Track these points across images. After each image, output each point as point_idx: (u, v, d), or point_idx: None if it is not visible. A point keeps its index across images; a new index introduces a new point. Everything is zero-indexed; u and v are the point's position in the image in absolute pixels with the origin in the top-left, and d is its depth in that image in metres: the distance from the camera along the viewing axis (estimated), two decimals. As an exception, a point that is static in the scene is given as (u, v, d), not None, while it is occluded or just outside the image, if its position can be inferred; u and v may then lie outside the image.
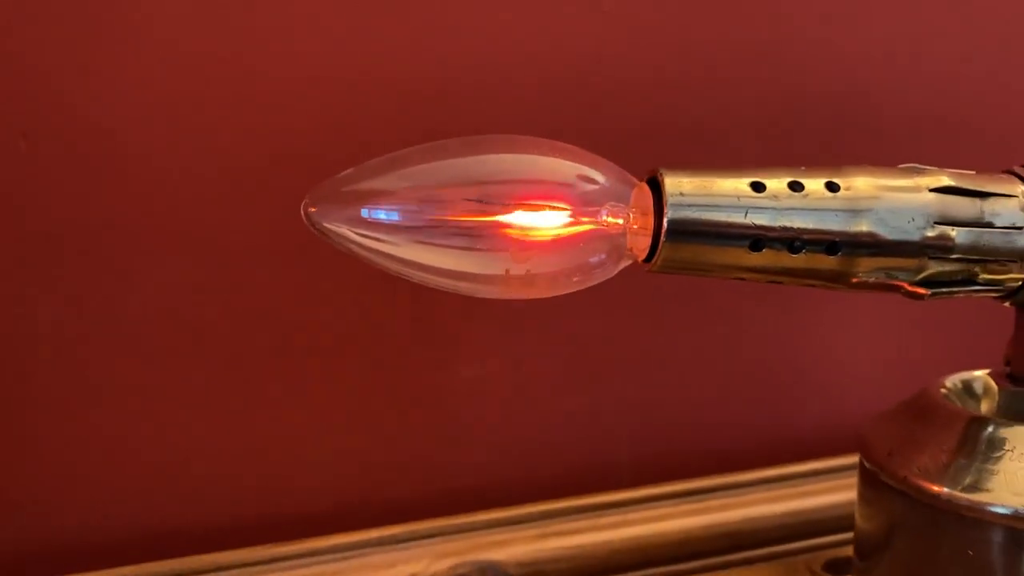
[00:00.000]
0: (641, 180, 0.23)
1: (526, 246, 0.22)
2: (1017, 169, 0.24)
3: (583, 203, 0.22)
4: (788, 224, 0.22)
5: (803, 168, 0.22)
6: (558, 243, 0.22)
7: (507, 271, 0.22)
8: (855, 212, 0.22)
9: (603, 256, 0.22)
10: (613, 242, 0.22)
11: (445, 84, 0.33)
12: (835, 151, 0.38)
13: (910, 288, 0.23)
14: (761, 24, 0.37)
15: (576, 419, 0.38)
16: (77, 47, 0.29)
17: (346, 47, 0.32)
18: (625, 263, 0.23)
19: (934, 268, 0.23)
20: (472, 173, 0.22)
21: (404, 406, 0.35)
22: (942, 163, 0.24)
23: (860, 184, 0.22)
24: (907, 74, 0.40)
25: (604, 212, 0.22)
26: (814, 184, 0.22)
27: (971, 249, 0.23)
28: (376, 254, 0.22)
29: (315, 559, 0.32)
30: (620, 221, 0.22)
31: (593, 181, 0.22)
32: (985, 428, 0.24)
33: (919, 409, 0.26)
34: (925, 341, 0.42)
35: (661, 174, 0.22)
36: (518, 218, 0.22)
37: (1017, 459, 0.23)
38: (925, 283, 0.23)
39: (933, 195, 0.23)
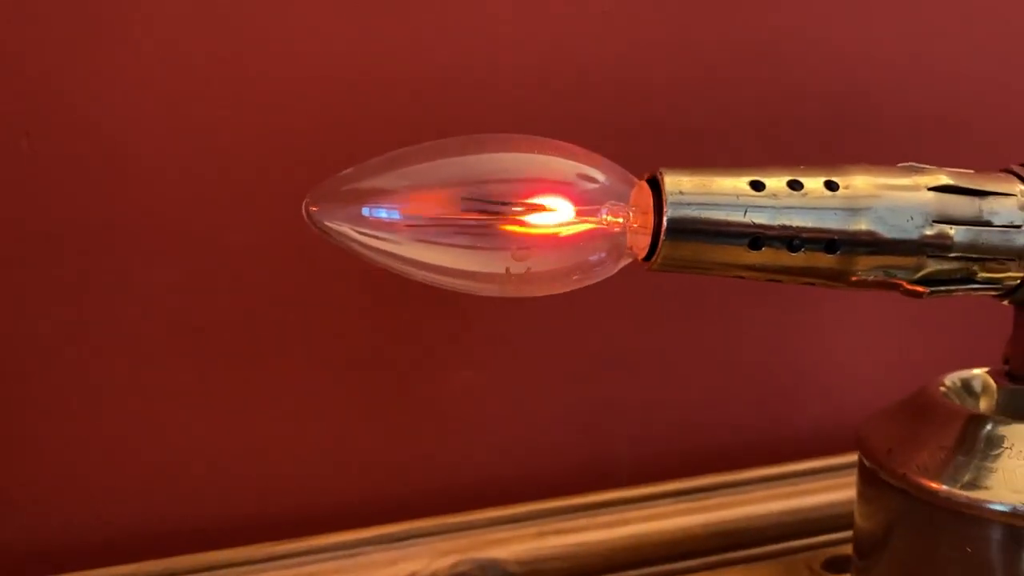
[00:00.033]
0: (641, 179, 0.23)
1: (526, 244, 0.22)
2: (1015, 168, 0.24)
3: (583, 202, 0.22)
4: (787, 223, 0.22)
5: (802, 167, 0.22)
6: (558, 242, 0.22)
7: (507, 269, 0.22)
8: (854, 211, 0.22)
9: (603, 255, 0.23)
10: (613, 241, 0.23)
11: (445, 84, 0.33)
12: (835, 151, 0.39)
13: (909, 286, 0.23)
14: (761, 24, 0.37)
15: (575, 418, 0.38)
16: (77, 46, 0.29)
17: (346, 47, 0.32)
18: (625, 261, 0.23)
19: (933, 266, 0.23)
20: (473, 172, 0.22)
21: (404, 405, 0.35)
22: (941, 162, 0.24)
23: (859, 183, 0.22)
24: (906, 74, 0.40)
25: (604, 211, 0.22)
26: (813, 183, 0.22)
27: (969, 247, 0.23)
28: (377, 252, 0.22)
29: (316, 557, 0.32)
30: (620, 220, 0.22)
31: (593, 180, 0.22)
32: (984, 426, 0.24)
33: (918, 407, 0.26)
34: (924, 340, 0.42)
35: (661, 173, 0.22)
36: (518, 217, 0.22)
37: (1016, 456, 0.23)
38: (924, 281, 0.23)
39: (932, 194, 0.23)
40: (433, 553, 0.33)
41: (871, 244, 0.22)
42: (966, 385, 0.28)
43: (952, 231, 0.22)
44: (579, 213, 0.22)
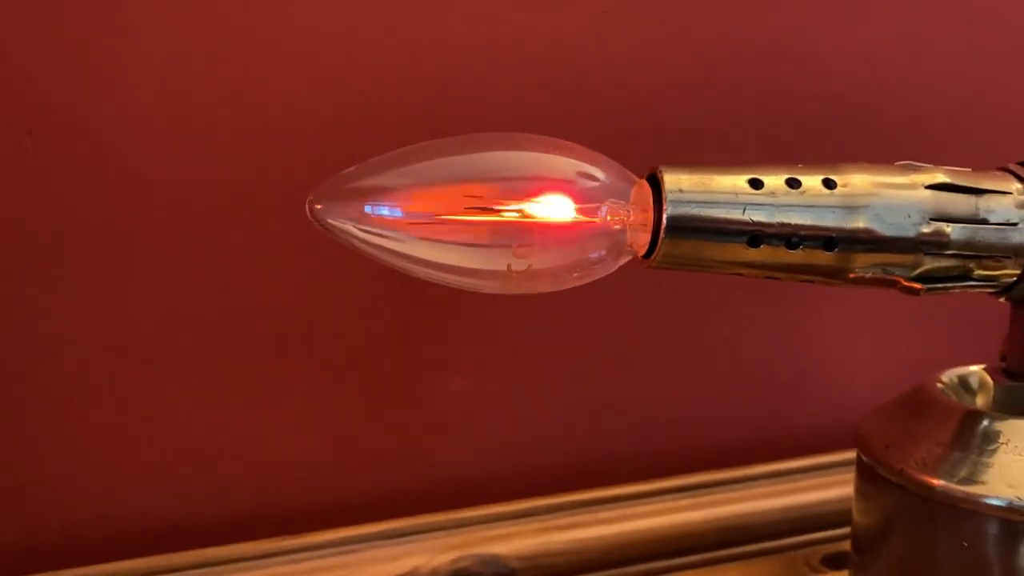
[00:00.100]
0: (641, 177, 0.23)
1: (528, 242, 0.22)
2: (1012, 167, 0.24)
3: (584, 200, 0.22)
4: (786, 220, 0.22)
5: (800, 165, 0.23)
6: (559, 239, 0.22)
7: (508, 267, 0.22)
8: (852, 209, 0.22)
9: (603, 252, 0.23)
10: (613, 238, 0.23)
11: (446, 83, 0.33)
12: (833, 150, 0.39)
13: (906, 283, 0.23)
14: (761, 24, 0.37)
15: (576, 415, 0.38)
16: (79, 46, 0.29)
17: (346, 47, 0.32)
18: (625, 259, 0.23)
19: (930, 264, 0.23)
20: (474, 170, 0.22)
21: (405, 402, 0.35)
22: (938, 161, 0.24)
23: (857, 181, 0.22)
24: (904, 74, 0.40)
25: (604, 209, 0.23)
26: (811, 181, 0.22)
27: (966, 245, 0.23)
28: (379, 250, 0.22)
29: (318, 553, 0.32)
30: (620, 217, 0.23)
31: (594, 178, 0.23)
32: (980, 421, 0.24)
33: (916, 404, 0.26)
34: (923, 338, 0.42)
35: (660, 171, 0.22)
36: (519, 215, 0.22)
37: (1012, 452, 0.23)
38: (921, 278, 0.23)
39: (929, 192, 0.23)
40: (434, 549, 0.33)
41: (869, 242, 0.22)
42: (963, 382, 0.28)
43: (949, 229, 0.23)
44: (579, 211, 0.22)
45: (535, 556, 0.33)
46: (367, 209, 0.22)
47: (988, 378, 0.26)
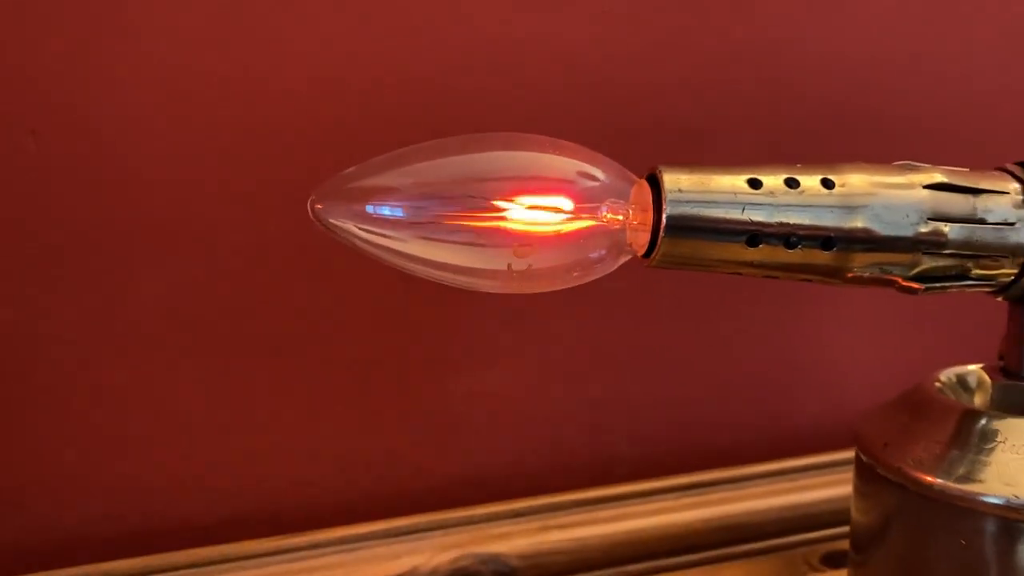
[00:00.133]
0: (641, 177, 0.23)
1: (527, 241, 0.22)
2: (1009, 167, 0.24)
3: (584, 199, 0.22)
4: (784, 220, 0.22)
5: (799, 165, 0.23)
6: (559, 239, 0.22)
7: (509, 266, 0.22)
8: (850, 208, 0.22)
9: (603, 251, 0.23)
10: (613, 238, 0.23)
11: (447, 84, 0.33)
12: (832, 150, 0.39)
13: (904, 283, 0.23)
14: (760, 25, 0.37)
15: (576, 414, 0.38)
16: (78, 46, 0.29)
17: (347, 47, 0.32)
18: (625, 258, 0.24)
19: (927, 263, 0.23)
20: (475, 170, 0.22)
21: (406, 402, 0.35)
22: (936, 161, 0.24)
23: (855, 181, 0.23)
24: (903, 75, 0.40)
25: (604, 208, 0.23)
26: (810, 181, 0.22)
27: (964, 245, 0.23)
28: (380, 249, 0.23)
29: (318, 551, 0.32)
30: (620, 217, 0.23)
31: (594, 178, 0.23)
32: (978, 420, 0.24)
33: (914, 402, 0.26)
34: (921, 338, 0.43)
35: (660, 171, 0.22)
36: (520, 214, 0.22)
37: (1009, 450, 0.23)
38: (919, 278, 0.23)
39: (927, 192, 0.23)
40: (435, 547, 0.33)
41: (867, 241, 0.22)
42: (961, 381, 0.28)
43: (947, 228, 0.23)
44: (579, 210, 0.22)
45: (535, 555, 0.34)
46: (368, 209, 0.22)
47: (986, 377, 0.27)
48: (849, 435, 0.27)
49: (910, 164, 0.24)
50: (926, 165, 0.24)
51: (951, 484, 0.23)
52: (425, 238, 0.22)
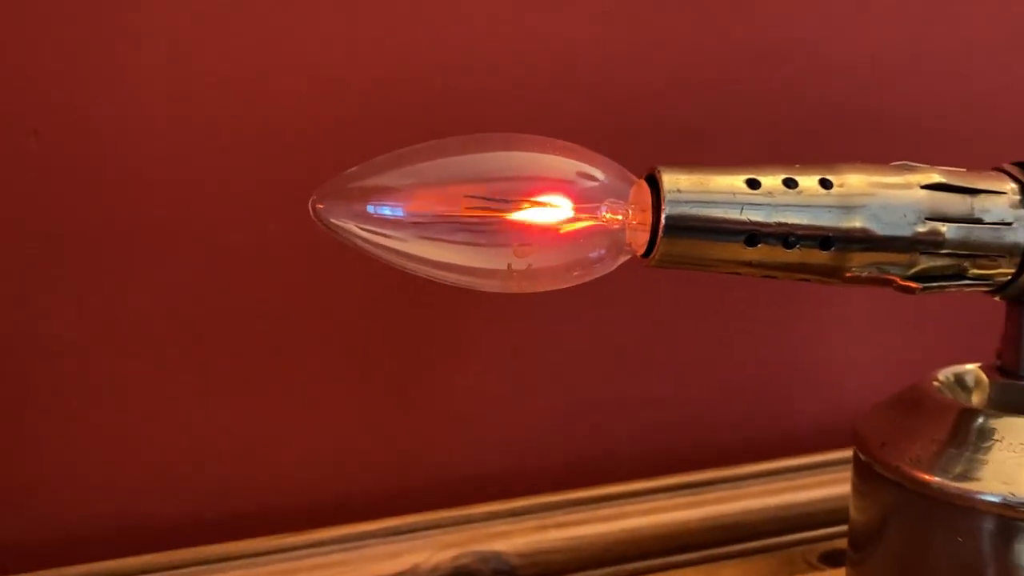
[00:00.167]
0: (640, 177, 0.23)
1: (527, 241, 0.22)
2: (1007, 167, 0.25)
3: (583, 199, 0.23)
4: (783, 220, 0.22)
5: (797, 165, 0.23)
6: (559, 238, 0.22)
7: (509, 266, 0.22)
8: (848, 208, 0.22)
9: (603, 251, 0.23)
10: (612, 237, 0.23)
11: (447, 84, 0.34)
12: (831, 151, 0.39)
13: (902, 282, 0.24)
14: (759, 26, 0.38)
15: (575, 414, 0.38)
16: (78, 46, 0.29)
17: (347, 47, 0.32)
18: (624, 258, 0.24)
19: (925, 263, 0.23)
20: (475, 170, 0.22)
21: (406, 400, 0.36)
22: (934, 161, 0.24)
23: (853, 181, 0.23)
24: (901, 75, 0.40)
25: (604, 208, 0.23)
26: (808, 181, 0.22)
27: (961, 244, 0.23)
28: (381, 249, 0.23)
29: (319, 550, 0.32)
30: (619, 217, 0.23)
31: (593, 178, 0.23)
32: (976, 419, 0.24)
33: (912, 401, 0.27)
34: (921, 337, 0.43)
35: (659, 171, 0.22)
36: (520, 214, 0.22)
37: (1006, 448, 0.23)
38: (916, 277, 0.23)
39: (924, 192, 0.23)
40: (435, 546, 0.33)
41: (865, 241, 0.22)
42: (959, 380, 0.28)
43: (944, 228, 0.23)
44: (579, 210, 0.23)
45: (535, 553, 0.34)
46: (369, 208, 0.22)
47: (984, 376, 0.27)
48: (848, 434, 0.27)
49: (908, 164, 0.24)
50: (924, 165, 0.24)
51: (949, 482, 0.23)
52: (425, 238, 0.22)
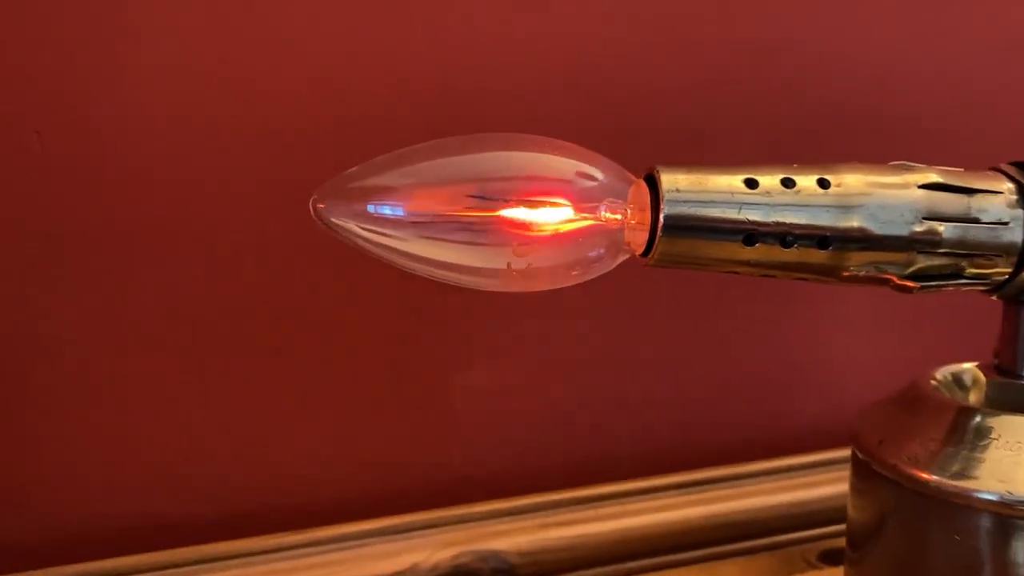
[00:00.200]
0: (639, 177, 0.23)
1: (527, 241, 0.22)
2: (1004, 167, 0.25)
3: (582, 199, 0.23)
4: (780, 219, 0.22)
5: (795, 165, 0.23)
6: (558, 238, 0.23)
7: (508, 265, 0.23)
8: (846, 208, 0.22)
9: (602, 251, 0.23)
10: (611, 237, 0.23)
11: (447, 84, 0.34)
12: (829, 150, 0.39)
13: (899, 281, 0.24)
14: (758, 27, 0.38)
15: (576, 413, 0.38)
16: (78, 46, 0.30)
17: (347, 47, 0.32)
18: (623, 257, 0.24)
19: (922, 262, 0.23)
20: (475, 170, 0.23)
21: (407, 400, 0.36)
22: (932, 161, 0.24)
23: (850, 181, 0.23)
24: (899, 76, 0.40)
25: (603, 208, 0.23)
26: (806, 181, 0.23)
27: (958, 244, 0.23)
28: (382, 248, 0.23)
29: (319, 549, 0.32)
30: (618, 217, 0.23)
31: (592, 178, 0.23)
32: (973, 417, 0.25)
33: (910, 400, 0.27)
34: (918, 336, 0.43)
35: (658, 171, 0.22)
36: (519, 213, 0.22)
37: (1003, 447, 0.23)
38: (914, 277, 0.23)
39: (922, 192, 0.23)
40: (435, 545, 0.33)
41: (862, 240, 0.23)
42: (957, 379, 0.28)
43: (941, 228, 0.23)
44: (578, 210, 0.23)
45: (535, 552, 0.34)
46: (369, 208, 0.22)
47: (981, 375, 0.27)
48: (847, 433, 0.27)
49: (905, 164, 0.24)
50: (921, 165, 0.24)
51: (946, 481, 0.23)
52: (426, 237, 0.22)
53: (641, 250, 0.23)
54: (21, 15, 0.29)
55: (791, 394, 0.42)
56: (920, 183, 0.23)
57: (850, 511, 0.27)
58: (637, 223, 0.23)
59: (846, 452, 0.28)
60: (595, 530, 0.35)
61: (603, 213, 0.23)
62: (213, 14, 0.31)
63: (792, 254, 0.22)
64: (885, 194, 0.23)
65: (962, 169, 0.24)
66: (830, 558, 0.35)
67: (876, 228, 0.23)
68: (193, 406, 0.33)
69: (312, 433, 0.35)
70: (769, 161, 0.23)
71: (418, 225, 0.22)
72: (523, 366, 0.37)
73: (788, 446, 0.40)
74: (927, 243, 0.23)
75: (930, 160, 0.24)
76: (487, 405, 0.37)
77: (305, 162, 0.32)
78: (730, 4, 0.37)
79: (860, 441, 0.26)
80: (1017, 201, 0.24)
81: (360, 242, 0.23)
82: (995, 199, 0.24)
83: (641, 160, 0.24)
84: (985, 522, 0.23)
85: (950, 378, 0.28)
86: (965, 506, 0.23)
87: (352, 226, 0.23)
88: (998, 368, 0.26)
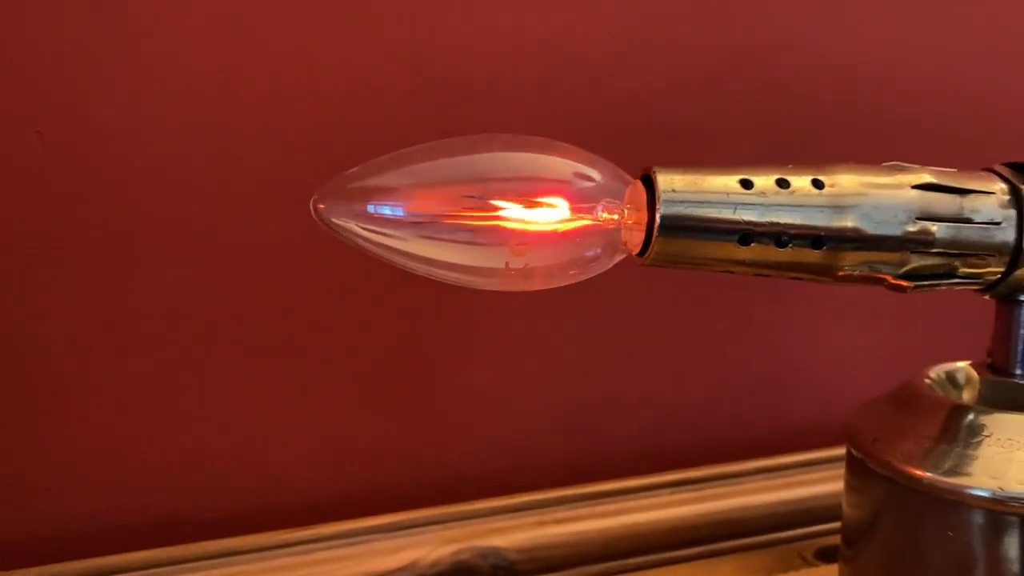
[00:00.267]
0: (635, 178, 0.24)
1: (525, 240, 0.23)
2: (996, 167, 0.25)
3: (580, 199, 0.23)
4: (775, 220, 0.22)
5: (790, 166, 0.23)
6: (556, 238, 0.23)
7: (506, 264, 0.23)
8: (840, 208, 0.23)
9: (599, 250, 0.23)
10: (608, 237, 0.23)
11: (447, 85, 0.34)
12: (832, 151, 0.39)
13: (893, 281, 0.24)
14: (755, 30, 0.38)
15: (575, 411, 0.38)
16: (79, 47, 0.30)
17: (348, 48, 0.32)
18: (620, 257, 0.24)
19: (916, 262, 0.23)
20: (474, 170, 0.23)
21: (407, 400, 0.36)
22: (925, 161, 0.25)
23: (845, 181, 0.23)
24: (894, 78, 0.41)
25: (600, 208, 0.23)
26: (800, 181, 0.23)
27: (951, 243, 0.23)
28: (381, 248, 0.23)
29: (320, 545, 0.32)
30: (615, 217, 0.23)
31: (589, 178, 0.23)
32: (966, 415, 0.25)
33: (904, 398, 0.27)
34: (915, 335, 0.43)
35: (654, 172, 0.23)
36: (517, 214, 0.22)
37: (995, 444, 0.24)
38: (907, 276, 0.24)
39: (915, 192, 0.23)
40: (436, 541, 0.33)
41: (856, 240, 0.23)
42: (950, 377, 0.28)
43: (934, 228, 0.23)
44: (575, 210, 0.23)
45: (534, 549, 0.34)
46: (369, 208, 0.23)
47: (974, 373, 0.27)
48: (843, 431, 0.28)
49: (899, 165, 0.24)
50: (914, 166, 0.24)
51: (939, 477, 0.23)
52: (425, 237, 0.23)
53: (638, 250, 0.23)
54: (22, 15, 0.29)
55: (787, 393, 0.42)
56: (913, 183, 0.23)
57: (845, 508, 0.28)
58: (634, 223, 0.23)
59: (842, 450, 0.28)
60: (593, 527, 0.35)
61: (600, 213, 0.23)
62: (213, 14, 0.31)
63: (787, 254, 0.23)
64: (879, 194, 0.23)
65: (955, 170, 0.24)
66: (826, 555, 0.35)
67: (870, 228, 0.23)
68: (193, 406, 0.33)
69: (312, 432, 0.35)
70: (768, 162, 0.23)
71: (417, 225, 0.22)
72: (522, 365, 0.37)
73: (784, 444, 0.41)
74: (920, 243, 0.23)
75: (929, 161, 0.25)
76: (486, 404, 0.37)
77: (305, 162, 0.32)
78: (729, 4, 0.37)
79: (855, 439, 0.26)
80: (1009, 201, 0.24)
81: (360, 242, 0.23)
82: (987, 199, 0.24)
83: (639, 160, 0.24)
84: (978, 518, 0.23)
85: (944, 376, 0.28)
86: (958, 502, 0.23)
87: (352, 226, 0.23)
88: (991, 367, 0.26)
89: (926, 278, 0.24)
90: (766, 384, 0.41)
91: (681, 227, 0.22)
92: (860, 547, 0.27)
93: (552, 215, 0.23)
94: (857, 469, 0.26)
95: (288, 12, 0.32)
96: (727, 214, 0.22)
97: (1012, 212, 0.24)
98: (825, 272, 0.23)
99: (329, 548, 0.32)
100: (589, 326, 0.38)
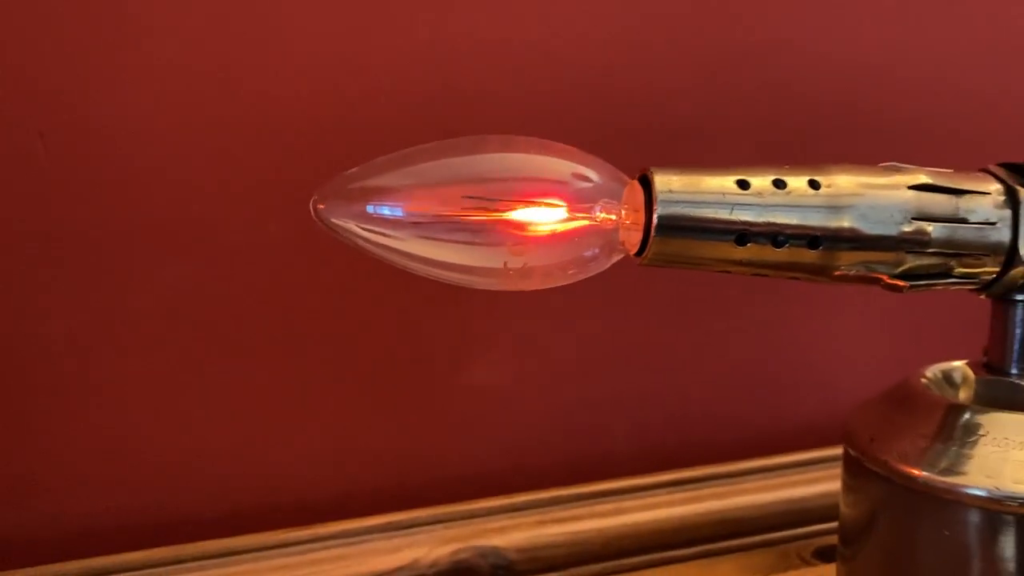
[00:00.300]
0: (633, 178, 0.24)
1: (523, 240, 0.23)
2: (992, 168, 0.25)
3: (578, 200, 0.23)
4: (772, 220, 0.22)
5: (787, 167, 0.23)
6: (554, 238, 0.23)
7: (505, 264, 0.23)
8: (836, 208, 0.23)
9: (597, 250, 0.23)
10: (606, 237, 0.23)
11: (446, 86, 0.34)
12: (831, 151, 0.39)
13: (889, 281, 0.24)
14: (753, 31, 0.38)
15: (574, 411, 0.38)
16: (79, 48, 0.30)
17: (348, 48, 0.33)
18: (618, 257, 0.24)
19: (912, 262, 0.23)
20: (473, 171, 0.23)
21: (407, 399, 0.36)
22: (921, 162, 0.25)
23: (841, 182, 0.23)
24: (890, 79, 0.41)
25: (598, 208, 0.23)
26: (797, 182, 0.23)
27: (947, 243, 0.23)
28: (381, 248, 0.23)
29: (320, 544, 0.33)
30: (613, 217, 0.23)
31: (587, 179, 0.23)
32: (962, 414, 0.25)
33: (900, 398, 0.27)
34: (912, 335, 0.43)
35: (651, 172, 0.23)
36: (516, 214, 0.23)
37: (991, 443, 0.24)
38: (903, 276, 0.24)
39: (911, 192, 0.23)
40: (435, 541, 0.33)
41: (853, 240, 0.23)
42: (947, 376, 0.28)
43: (930, 228, 0.23)
44: (573, 210, 0.23)
45: (533, 548, 0.34)
46: (369, 209, 0.23)
47: (970, 373, 0.27)
48: (841, 431, 0.28)
49: (895, 165, 0.24)
50: (910, 166, 0.24)
51: (935, 477, 0.24)
52: (424, 237, 0.23)
53: (635, 250, 0.23)
54: (22, 16, 0.29)
55: (786, 392, 0.42)
56: (909, 184, 0.23)
57: (842, 507, 0.28)
58: (631, 223, 0.23)
59: (840, 450, 0.28)
60: (593, 527, 0.35)
61: (598, 213, 0.23)
62: (214, 15, 0.31)
63: (783, 254, 0.23)
64: (875, 195, 0.23)
65: (951, 170, 0.25)
66: (825, 555, 0.36)
67: (866, 228, 0.23)
68: (193, 406, 0.33)
69: (312, 432, 0.35)
70: (767, 162, 0.23)
71: (417, 225, 0.23)
72: (521, 365, 0.37)
73: (783, 444, 0.41)
74: (916, 243, 0.23)
75: (929, 161, 0.25)
76: (486, 404, 0.37)
77: (305, 162, 0.32)
78: (729, 5, 0.37)
79: (852, 438, 0.26)
80: (1004, 202, 0.24)
81: (360, 242, 0.23)
82: (983, 200, 0.24)
83: (638, 161, 0.24)
84: (973, 517, 0.23)
85: (940, 376, 0.28)
86: (954, 501, 0.23)
87: (352, 226, 0.23)
88: (987, 366, 0.27)
89: (922, 278, 0.24)
90: (765, 384, 0.42)
91: (678, 227, 0.22)
92: (858, 546, 0.27)
93: (550, 215, 0.23)
94: (854, 468, 0.26)
95: (288, 12, 0.32)
96: (724, 214, 0.22)
97: (1007, 212, 0.24)
98: (821, 272, 0.23)
99: (328, 548, 0.33)
100: (589, 326, 0.38)
